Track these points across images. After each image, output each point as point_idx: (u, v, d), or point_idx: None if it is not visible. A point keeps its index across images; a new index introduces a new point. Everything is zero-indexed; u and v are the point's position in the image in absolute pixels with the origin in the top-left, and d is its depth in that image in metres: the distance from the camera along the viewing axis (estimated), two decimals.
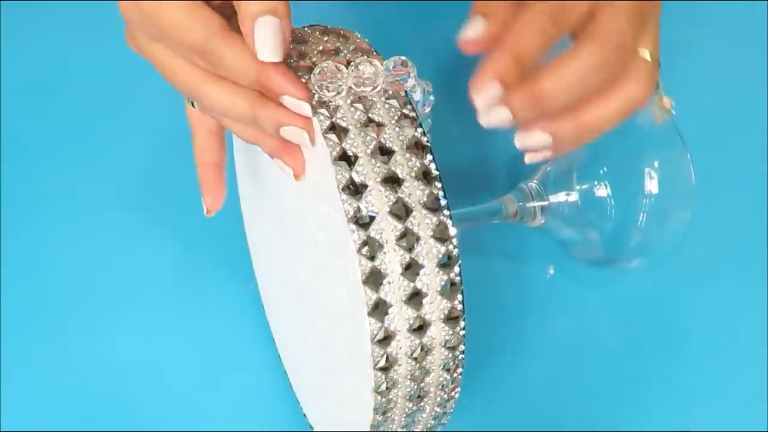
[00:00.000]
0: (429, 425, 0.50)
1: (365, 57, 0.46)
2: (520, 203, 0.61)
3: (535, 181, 0.61)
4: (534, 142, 0.46)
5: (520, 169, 0.61)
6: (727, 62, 0.75)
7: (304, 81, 0.45)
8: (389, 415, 0.47)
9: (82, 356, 0.62)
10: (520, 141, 0.46)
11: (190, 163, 0.56)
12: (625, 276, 0.65)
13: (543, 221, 0.61)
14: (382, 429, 0.48)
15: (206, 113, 0.51)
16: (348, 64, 0.46)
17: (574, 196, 0.60)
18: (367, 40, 0.48)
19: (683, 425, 0.60)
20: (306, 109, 0.45)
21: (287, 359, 0.61)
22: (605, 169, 0.60)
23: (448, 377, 0.47)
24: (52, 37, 0.75)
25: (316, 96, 0.45)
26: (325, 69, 0.45)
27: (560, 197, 0.60)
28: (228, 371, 0.62)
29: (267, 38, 0.44)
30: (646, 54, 0.47)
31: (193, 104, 0.52)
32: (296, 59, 0.46)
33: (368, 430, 0.47)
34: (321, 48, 0.47)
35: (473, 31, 0.44)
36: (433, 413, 0.49)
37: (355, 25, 0.46)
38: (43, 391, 0.61)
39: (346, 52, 0.47)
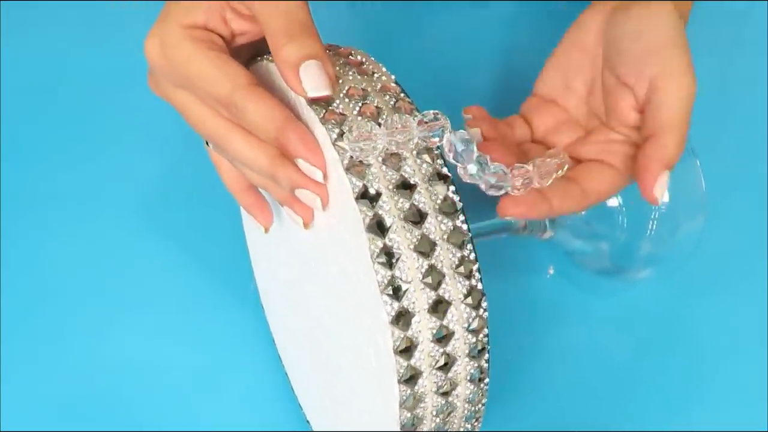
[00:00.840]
0: None
1: (395, 108, 0.45)
2: None
3: None
4: None
5: None
6: (727, 62, 0.74)
7: (334, 137, 0.44)
8: None
9: (82, 356, 0.62)
10: None
11: (190, 164, 0.56)
12: (633, 285, 0.65)
13: (553, 234, 0.61)
14: None
15: (224, 157, 0.51)
16: (377, 112, 0.44)
17: None
18: (393, 76, 0.47)
19: (687, 427, 0.60)
20: (318, 176, 0.44)
21: (288, 361, 0.61)
22: None
23: (469, 426, 0.48)
24: (52, 37, 0.74)
25: (348, 154, 0.43)
26: (360, 129, 0.43)
27: None
28: (228, 371, 0.62)
29: (313, 80, 0.44)
30: None
31: (207, 143, 0.52)
32: (323, 105, 0.45)
33: None
34: (347, 89, 0.45)
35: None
36: None
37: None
38: (44, 391, 0.61)
39: (373, 95, 0.45)
